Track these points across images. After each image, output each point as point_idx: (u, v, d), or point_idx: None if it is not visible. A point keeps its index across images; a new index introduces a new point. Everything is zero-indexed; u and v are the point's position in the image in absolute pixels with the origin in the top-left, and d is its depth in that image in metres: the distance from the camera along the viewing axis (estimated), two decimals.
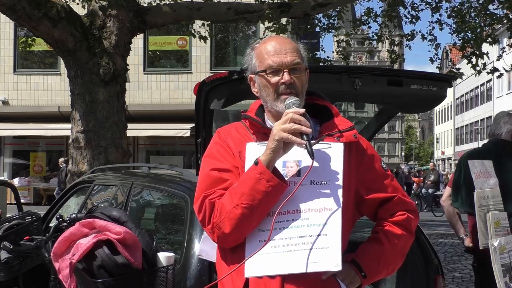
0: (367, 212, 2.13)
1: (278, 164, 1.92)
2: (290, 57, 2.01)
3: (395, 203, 2.09)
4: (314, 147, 1.89)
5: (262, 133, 2.04)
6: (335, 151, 1.97)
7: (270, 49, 2.04)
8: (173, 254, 2.81)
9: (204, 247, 2.69)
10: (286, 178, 1.92)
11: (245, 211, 1.86)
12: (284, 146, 1.88)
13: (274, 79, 2.01)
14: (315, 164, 1.90)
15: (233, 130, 2.11)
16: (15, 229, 3.72)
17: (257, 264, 1.87)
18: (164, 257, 2.76)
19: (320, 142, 1.97)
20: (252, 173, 1.87)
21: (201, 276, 2.78)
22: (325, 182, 1.93)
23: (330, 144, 1.99)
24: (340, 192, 1.93)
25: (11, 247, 3.59)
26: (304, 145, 1.86)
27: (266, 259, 1.87)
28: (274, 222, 1.88)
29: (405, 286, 3.63)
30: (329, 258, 1.85)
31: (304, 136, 1.86)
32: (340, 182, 1.93)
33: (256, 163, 1.88)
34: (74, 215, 3.18)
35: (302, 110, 1.90)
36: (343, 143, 2.00)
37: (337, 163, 1.96)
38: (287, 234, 1.88)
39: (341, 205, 1.91)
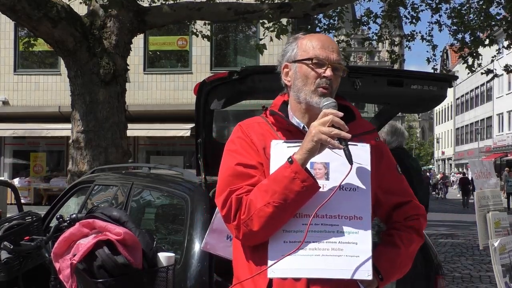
0: (381, 214, 2.13)
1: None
2: (336, 56, 2.02)
3: (410, 207, 2.10)
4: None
5: (287, 130, 2.02)
6: (362, 153, 1.96)
7: (318, 43, 2.03)
8: (173, 254, 2.80)
9: (210, 240, 2.68)
10: None
11: (276, 210, 1.83)
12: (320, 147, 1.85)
13: (318, 70, 1.99)
14: (343, 168, 1.88)
15: (256, 125, 2.07)
16: (16, 229, 3.72)
17: (282, 265, 1.85)
18: (164, 257, 2.76)
19: (348, 143, 1.93)
20: (287, 172, 1.84)
21: (201, 276, 2.78)
22: (355, 189, 1.92)
23: (357, 144, 1.96)
24: (369, 200, 1.92)
25: (11, 247, 3.59)
26: (343, 150, 1.83)
27: (292, 261, 1.85)
28: (309, 224, 1.85)
29: (405, 287, 3.62)
30: (360, 267, 1.86)
31: (343, 141, 1.84)
32: (369, 189, 1.93)
33: (291, 161, 1.84)
34: (74, 215, 3.17)
35: (341, 114, 1.86)
36: (369, 144, 1.99)
37: (365, 166, 1.95)
38: (316, 238, 1.87)
39: (371, 213, 1.91)
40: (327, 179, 1.91)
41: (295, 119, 2.05)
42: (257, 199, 1.86)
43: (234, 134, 2.08)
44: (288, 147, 1.91)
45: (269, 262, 1.86)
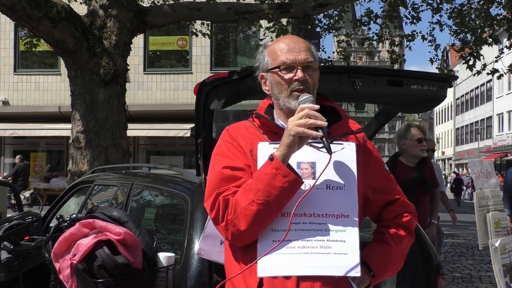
0: (371, 213, 2.15)
1: (292, 166, 1.90)
2: (304, 55, 2.02)
3: (399, 205, 2.12)
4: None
5: (273, 132, 2.04)
6: (348, 152, 1.98)
7: (284, 46, 2.05)
8: (173, 254, 2.81)
9: (204, 246, 2.69)
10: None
11: (261, 207, 1.85)
12: (298, 141, 1.87)
13: (288, 76, 2.01)
14: (330, 167, 1.90)
15: (243, 128, 2.10)
16: (16, 229, 3.73)
17: (271, 264, 1.87)
18: (164, 257, 2.76)
19: (334, 142, 1.96)
20: (268, 169, 1.86)
21: (201, 276, 2.78)
22: (341, 187, 1.94)
23: (342, 143, 1.99)
24: (356, 198, 1.94)
25: (12, 247, 3.60)
26: (320, 138, 1.86)
27: (281, 259, 1.87)
28: (290, 223, 1.87)
29: (405, 287, 3.63)
30: (348, 264, 1.88)
31: (320, 130, 1.86)
32: (355, 187, 1.95)
33: (271, 158, 1.87)
34: (74, 215, 3.18)
35: (317, 106, 1.89)
36: (354, 143, 2.01)
37: (351, 165, 1.96)
38: (304, 237, 1.88)
39: (357, 211, 1.93)
40: (314, 178, 1.92)
41: (280, 121, 2.08)
42: (242, 199, 1.88)
43: (221, 139, 2.11)
44: (274, 148, 1.93)
45: (259, 261, 1.88)
